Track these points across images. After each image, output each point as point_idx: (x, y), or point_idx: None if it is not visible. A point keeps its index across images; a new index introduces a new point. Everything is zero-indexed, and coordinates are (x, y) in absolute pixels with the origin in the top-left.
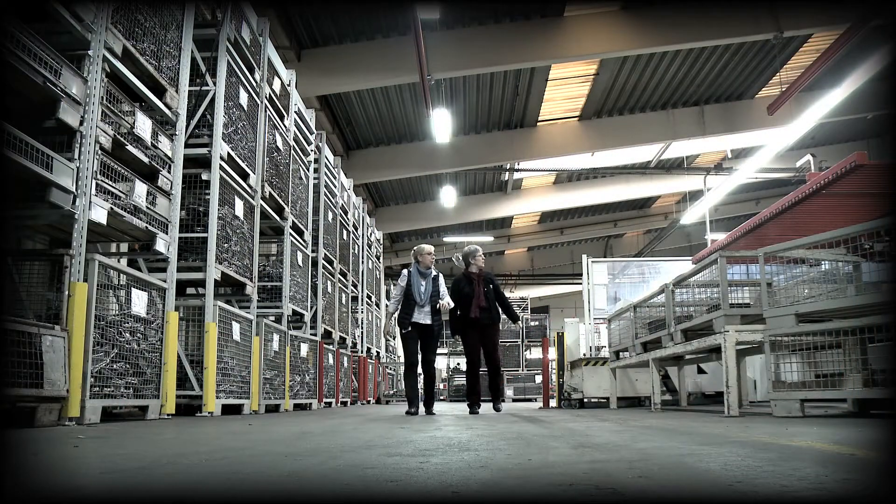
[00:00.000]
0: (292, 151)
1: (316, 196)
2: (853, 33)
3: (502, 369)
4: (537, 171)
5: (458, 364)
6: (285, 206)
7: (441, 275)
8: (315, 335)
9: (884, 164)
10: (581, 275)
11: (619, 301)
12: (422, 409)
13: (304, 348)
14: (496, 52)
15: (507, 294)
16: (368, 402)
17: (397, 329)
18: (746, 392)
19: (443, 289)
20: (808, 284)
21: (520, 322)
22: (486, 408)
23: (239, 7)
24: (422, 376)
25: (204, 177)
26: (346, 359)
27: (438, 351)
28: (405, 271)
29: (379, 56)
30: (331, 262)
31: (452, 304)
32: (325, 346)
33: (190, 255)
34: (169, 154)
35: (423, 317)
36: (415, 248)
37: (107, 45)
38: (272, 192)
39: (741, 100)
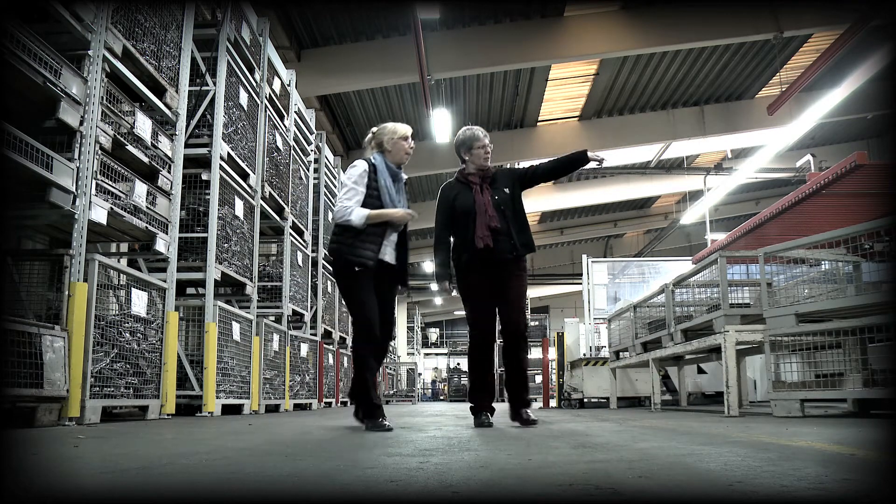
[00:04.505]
0: (292, 151)
1: (316, 196)
2: (853, 33)
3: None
4: None
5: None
6: (285, 206)
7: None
8: (315, 335)
9: (884, 164)
10: (581, 275)
11: (619, 301)
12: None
13: (304, 348)
14: (496, 52)
15: None
16: None
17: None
18: (746, 392)
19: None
20: (808, 284)
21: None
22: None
23: (239, 7)
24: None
25: (204, 177)
26: (346, 359)
27: (435, 351)
28: (361, 162)
29: (379, 56)
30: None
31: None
32: (325, 346)
33: (190, 255)
34: (169, 154)
35: (389, 252)
36: (377, 128)
37: (107, 45)
38: (272, 192)
39: (741, 100)
